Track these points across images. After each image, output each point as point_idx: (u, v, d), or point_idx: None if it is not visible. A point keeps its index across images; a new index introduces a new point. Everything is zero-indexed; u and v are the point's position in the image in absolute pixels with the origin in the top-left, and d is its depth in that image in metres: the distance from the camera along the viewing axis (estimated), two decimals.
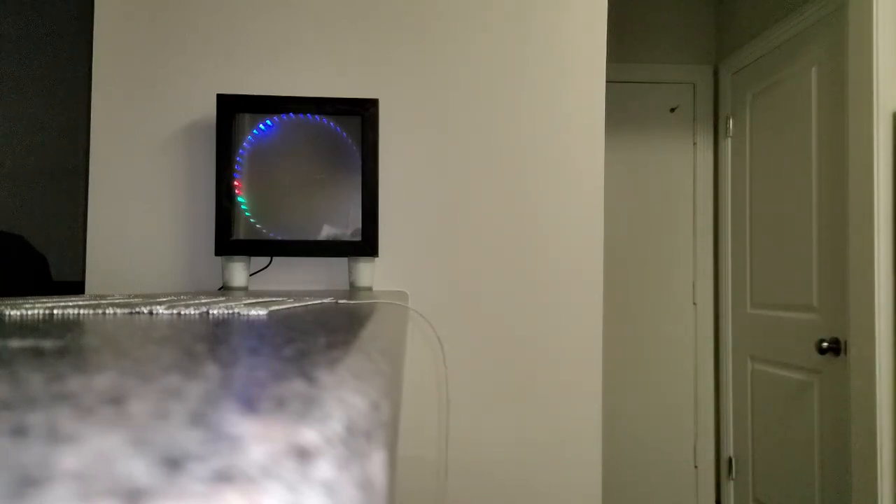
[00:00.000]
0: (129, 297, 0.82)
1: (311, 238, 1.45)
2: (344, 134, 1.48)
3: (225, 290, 1.40)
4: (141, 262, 1.53)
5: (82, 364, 0.21)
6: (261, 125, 1.46)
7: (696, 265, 2.74)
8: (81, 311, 0.50)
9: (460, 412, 1.56)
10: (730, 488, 2.59)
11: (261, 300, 0.71)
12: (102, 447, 0.11)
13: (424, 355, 1.55)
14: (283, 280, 1.55)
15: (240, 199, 1.45)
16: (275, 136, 1.46)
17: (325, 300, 0.75)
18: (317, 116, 1.47)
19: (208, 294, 0.98)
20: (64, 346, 0.27)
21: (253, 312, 0.50)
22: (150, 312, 0.50)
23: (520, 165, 1.59)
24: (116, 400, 0.15)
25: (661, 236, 2.76)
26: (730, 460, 2.58)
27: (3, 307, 0.52)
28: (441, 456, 1.54)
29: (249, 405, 0.15)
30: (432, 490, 1.54)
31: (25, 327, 0.36)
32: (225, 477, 0.10)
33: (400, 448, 1.53)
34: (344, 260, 1.55)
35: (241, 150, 1.45)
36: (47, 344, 0.28)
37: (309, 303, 0.67)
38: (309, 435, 0.13)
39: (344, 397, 0.17)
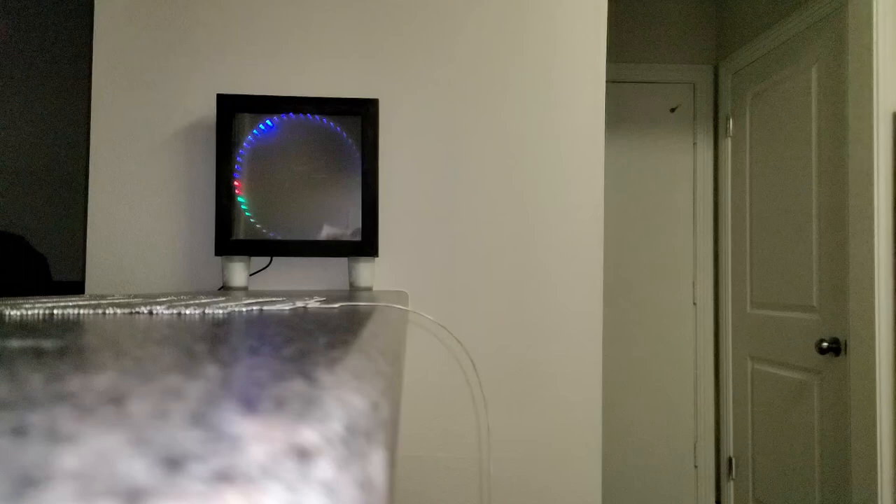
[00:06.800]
0: (129, 297, 0.82)
1: (311, 238, 1.45)
2: (344, 134, 1.48)
3: (225, 290, 1.40)
4: (141, 262, 1.53)
5: (82, 364, 0.21)
6: (261, 125, 1.46)
7: (696, 265, 2.74)
8: (81, 311, 0.50)
9: (460, 413, 1.56)
10: (730, 488, 2.59)
11: (260, 300, 0.71)
12: (102, 447, 0.11)
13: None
14: (283, 280, 1.55)
15: (240, 198, 1.45)
16: (275, 136, 1.46)
17: (329, 302, 0.75)
18: (317, 116, 1.47)
19: (208, 294, 0.98)
20: (64, 346, 0.27)
21: (253, 311, 0.50)
22: (150, 312, 0.50)
23: (519, 165, 1.59)
24: (116, 400, 0.15)
25: (661, 236, 2.76)
26: (730, 460, 2.58)
27: (3, 307, 0.52)
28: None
29: (249, 405, 0.15)
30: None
31: (25, 327, 0.36)
32: (225, 477, 0.10)
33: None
34: (344, 260, 1.55)
35: (241, 150, 1.45)
36: (47, 344, 0.28)
37: (309, 303, 0.67)
38: (309, 435, 0.13)
39: (344, 397, 0.17)
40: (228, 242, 1.42)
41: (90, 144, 1.53)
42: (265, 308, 0.57)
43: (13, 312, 0.47)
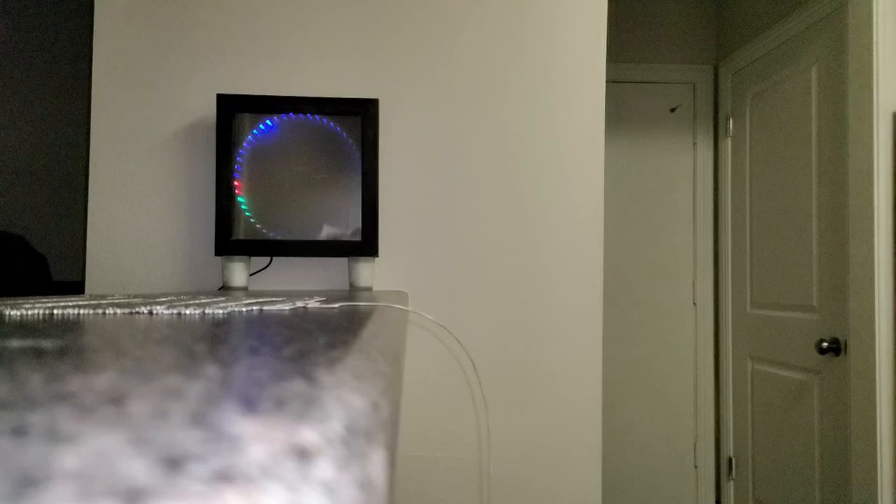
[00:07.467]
0: (129, 297, 0.82)
1: (311, 238, 1.45)
2: (344, 134, 1.48)
3: (225, 290, 1.40)
4: (141, 262, 1.53)
5: (82, 364, 0.21)
6: (261, 125, 1.46)
7: (696, 265, 2.74)
8: (81, 311, 0.50)
9: (460, 413, 1.56)
10: (730, 488, 2.59)
11: (260, 300, 0.71)
12: (102, 447, 0.11)
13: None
14: (283, 280, 1.55)
15: (240, 198, 1.45)
16: (275, 136, 1.46)
17: (329, 302, 0.75)
18: (317, 116, 1.47)
19: (208, 294, 0.98)
20: (64, 346, 0.27)
21: (252, 311, 0.50)
22: (150, 312, 0.50)
23: (519, 165, 1.59)
24: (116, 400, 0.15)
25: (661, 236, 2.76)
26: (730, 460, 2.58)
27: (3, 307, 0.52)
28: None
29: (249, 405, 0.15)
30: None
31: (25, 327, 0.36)
32: (225, 477, 0.10)
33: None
34: (344, 260, 1.55)
35: (241, 150, 1.45)
36: (47, 344, 0.28)
37: (309, 303, 0.67)
38: (309, 435, 0.13)
39: (344, 397, 0.17)
40: (228, 242, 1.42)
41: (90, 144, 1.53)
42: (265, 308, 0.57)
43: (13, 312, 0.47)
